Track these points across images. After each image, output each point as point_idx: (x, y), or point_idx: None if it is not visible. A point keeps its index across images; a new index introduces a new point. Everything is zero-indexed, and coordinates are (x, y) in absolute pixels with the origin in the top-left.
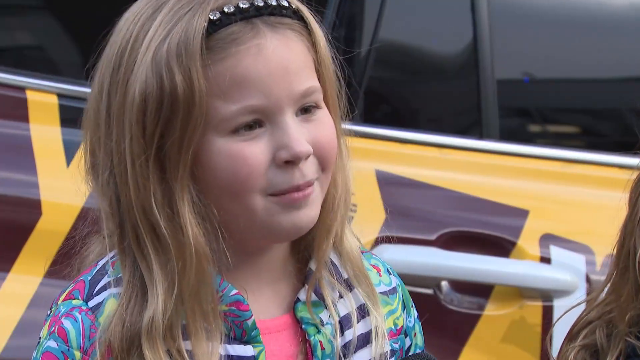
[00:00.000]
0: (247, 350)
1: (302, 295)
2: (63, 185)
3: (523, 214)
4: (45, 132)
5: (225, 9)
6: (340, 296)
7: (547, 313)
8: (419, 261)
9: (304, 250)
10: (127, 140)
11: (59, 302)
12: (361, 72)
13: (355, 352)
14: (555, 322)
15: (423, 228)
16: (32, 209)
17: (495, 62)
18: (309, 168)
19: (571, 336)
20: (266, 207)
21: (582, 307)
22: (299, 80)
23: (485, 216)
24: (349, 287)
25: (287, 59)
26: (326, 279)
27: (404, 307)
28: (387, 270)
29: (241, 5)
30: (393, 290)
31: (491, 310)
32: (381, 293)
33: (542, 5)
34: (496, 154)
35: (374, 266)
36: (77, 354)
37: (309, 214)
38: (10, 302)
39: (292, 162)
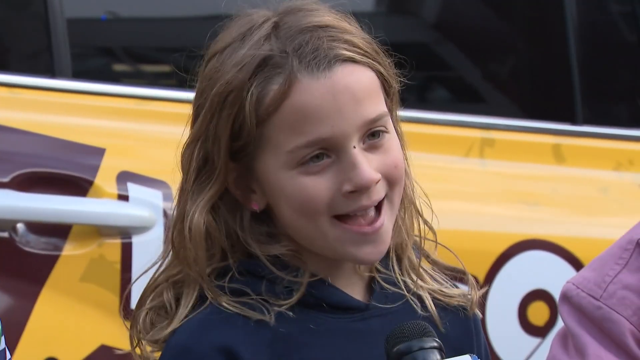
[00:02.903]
0: None
1: None
2: None
3: (99, 152)
4: None
5: None
6: None
7: (126, 250)
8: None
9: None
10: None
11: None
12: None
13: None
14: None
15: None
16: None
17: None
18: None
19: (141, 302)
20: None
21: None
22: None
23: (61, 155)
24: None
25: None
26: None
27: None
28: None
29: None
30: None
31: (69, 250)
32: None
33: None
34: (70, 93)
35: None
36: None
37: None
38: None
39: None
